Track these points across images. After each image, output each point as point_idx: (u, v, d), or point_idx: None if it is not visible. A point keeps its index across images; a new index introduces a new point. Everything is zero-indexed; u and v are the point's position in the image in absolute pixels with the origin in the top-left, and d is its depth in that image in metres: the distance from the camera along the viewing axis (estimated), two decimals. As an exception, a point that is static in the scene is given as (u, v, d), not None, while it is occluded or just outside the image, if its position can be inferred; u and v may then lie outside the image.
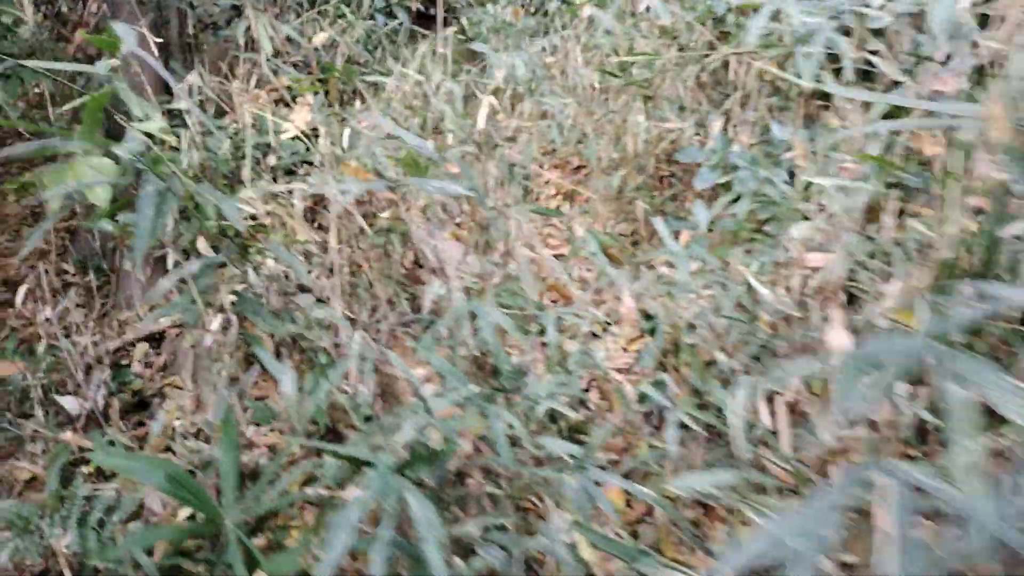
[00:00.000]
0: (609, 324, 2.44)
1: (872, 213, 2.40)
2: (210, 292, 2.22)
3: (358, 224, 2.81)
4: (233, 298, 2.25)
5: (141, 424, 3.61)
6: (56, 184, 1.52)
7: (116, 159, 1.56)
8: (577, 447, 1.63)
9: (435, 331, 1.86)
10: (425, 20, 5.93)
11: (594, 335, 2.73)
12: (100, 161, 1.55)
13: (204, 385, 3.37)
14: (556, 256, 4.40)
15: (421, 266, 3.37)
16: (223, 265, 1.96)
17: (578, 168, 5.04)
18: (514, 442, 1.54)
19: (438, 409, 1.62)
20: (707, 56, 3.46)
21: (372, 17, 5.12)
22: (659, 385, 2.39)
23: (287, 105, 3.55)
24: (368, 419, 2.33)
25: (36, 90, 5.23)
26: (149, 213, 1.60)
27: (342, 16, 4.69)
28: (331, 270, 2.56)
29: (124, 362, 3.81)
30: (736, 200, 3.03)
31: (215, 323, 2.57)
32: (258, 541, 2.06)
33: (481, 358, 1.95)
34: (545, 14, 6.07)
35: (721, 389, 1.99)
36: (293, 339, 2.06)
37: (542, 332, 2.28)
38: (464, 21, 5.45)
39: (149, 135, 1.87)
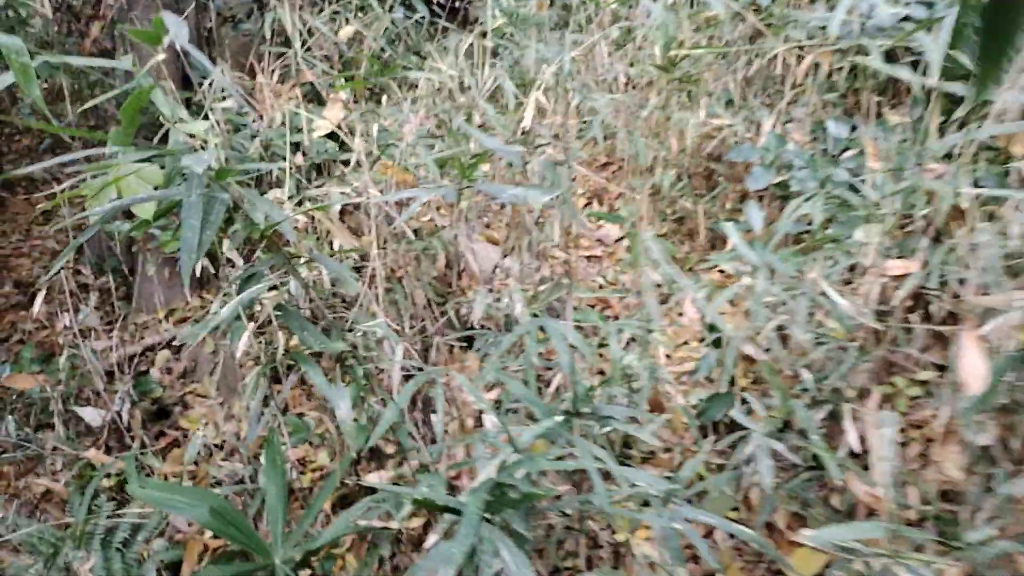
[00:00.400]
0: (663, 334, 2.28)
1: (954, 216, 2.24)
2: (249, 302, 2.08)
3: (397, 229, 2.66)
4: (271, 310, 2.10)
5: (162, 434, 3.47)
6: (101, 200, 1.37)
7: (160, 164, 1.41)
8: (659, 479, 1.48)
9: (497, 347, 1.71)
10: (444, 13, 5.76)
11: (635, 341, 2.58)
12: (148, 170, 1.40)
13: (232, 396, 3.22)
14: (588, 258, 4.25)
15: (451, 269, 3.22)
16: (265, 273, 1.81)
17: (605, 165, 4.87)
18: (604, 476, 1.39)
19: (504, 438, 1.47)
20: (754, 48, 3.30)
21: (391, 8, 4.95)
22: (721, 399, 2.24)
23: (317, 102, 3.39)
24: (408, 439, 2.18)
25: (45, 86, 5.07)
26: (195, 223, 1.45)
27: (363, 9, 4.53)
28: (372, 278, 2.41)
29: (143, 368, 3.67)
30: (788, 200, 2.88)
31: (246, 334, 2.42)
32: (303, 573, 1.92)
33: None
34: (566, 7, 5.90)
35: (804, 410, 1.83)
36: (340, 356, 1.91)
37: (602, 345, 2.13)
38: (486, 14, 5.28)
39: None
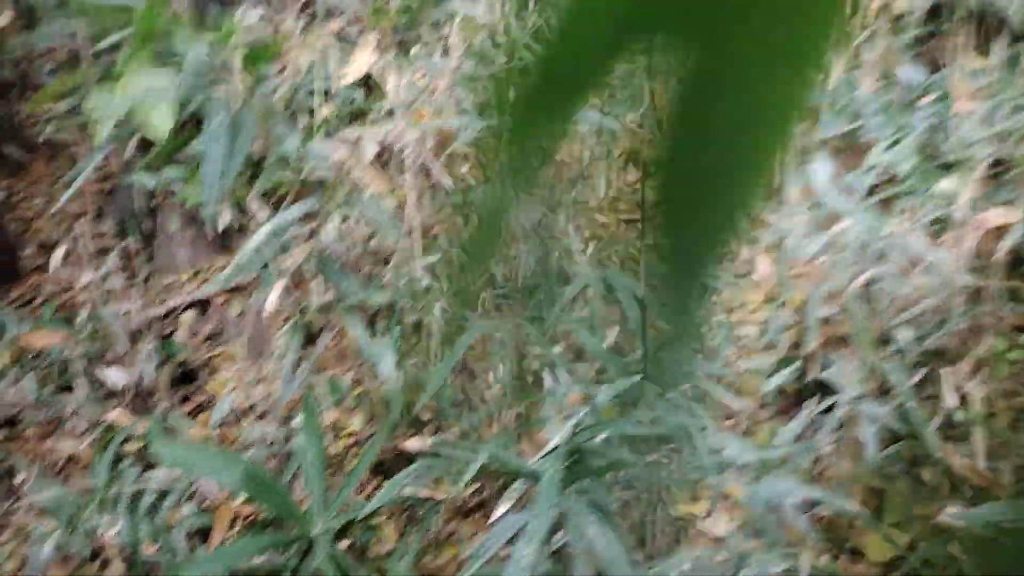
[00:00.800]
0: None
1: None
2: (279, 255, 1.92)
3: (435, 179, 2.48)
4: (304, 260, 1.94)
5: (188, 398, 3.35)
6: (106, 109, 1.20)
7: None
8: (752, 447, 1.30)
9: (558, 302, 1.52)
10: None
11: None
12: (157, 74, 1.22)
13: (262, 359, 3.08)
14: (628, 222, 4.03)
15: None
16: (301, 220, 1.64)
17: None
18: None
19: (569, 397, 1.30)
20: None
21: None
22: (787, 363, 2.05)
23: (346, 46, 3.19)
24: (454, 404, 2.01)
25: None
26: (219, 154, 1.27)
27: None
28: (409, 232, 2.24)
29: (168, 331, 3.54)
30: (859, 151, 2.65)
31: (276, 290, 2.27)
32: (341, 544, 1.77)
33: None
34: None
35: (900, 372, 1.64)
36: (379, 311, 1.75)
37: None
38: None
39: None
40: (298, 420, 1.84)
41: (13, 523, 2.73)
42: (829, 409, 1.67)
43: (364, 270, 1.84)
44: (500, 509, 1.08)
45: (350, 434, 2.71)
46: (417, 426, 2.36)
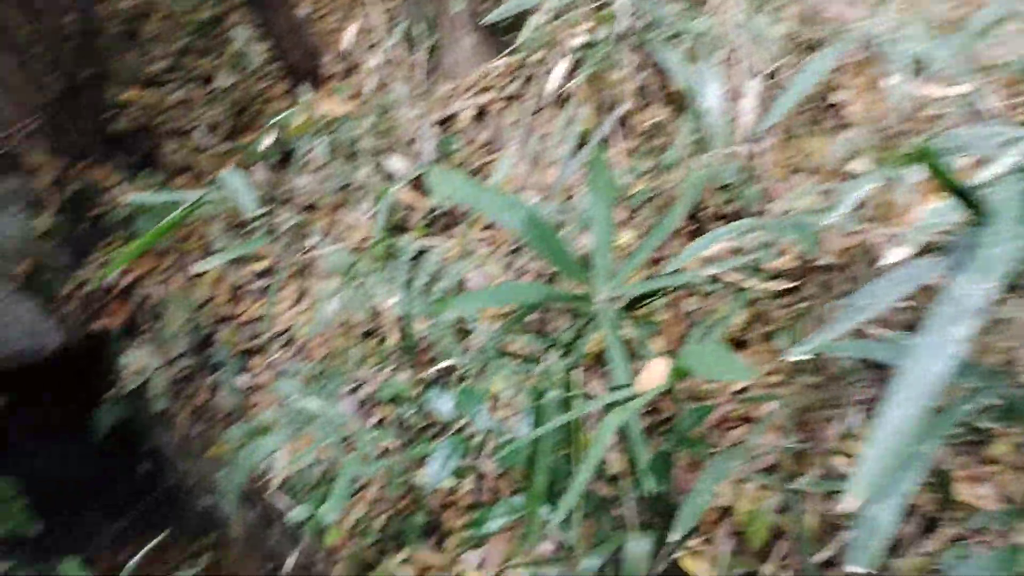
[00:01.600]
0: None
1: None
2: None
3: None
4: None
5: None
6: None
7: None
8: None
9: None
10: None
11: None
12: None
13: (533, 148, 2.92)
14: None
15: None
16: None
17: None
18: None
19: None
20: None
21: None
22: None
23: None
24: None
25: None
26: None
27: None
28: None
29: (447, 131, 3.53)
30: None
31: (561, 66, 2.01)
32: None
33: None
34: None
35: None
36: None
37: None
38: None
39: None
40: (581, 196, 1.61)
41: (304, 288, 2.95)
42: None
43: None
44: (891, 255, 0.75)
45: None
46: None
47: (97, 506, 3.80)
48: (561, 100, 2.42)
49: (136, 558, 1.97)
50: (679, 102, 1.96)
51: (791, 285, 1.72)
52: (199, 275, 3.55)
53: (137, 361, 3.63)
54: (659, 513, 1.47)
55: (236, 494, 2.74)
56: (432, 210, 2.57)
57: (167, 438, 3.76)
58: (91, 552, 3.39)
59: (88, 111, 4.10)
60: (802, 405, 1.68)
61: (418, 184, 2.63)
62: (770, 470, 1.70)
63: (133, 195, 3.41)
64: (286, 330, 3.08)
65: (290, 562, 2.44)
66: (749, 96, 1.67)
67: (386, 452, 2.26)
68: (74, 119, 4.11)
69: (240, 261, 3.34)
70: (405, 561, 2.29)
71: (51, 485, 3.20)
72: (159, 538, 1.97)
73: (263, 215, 2.75)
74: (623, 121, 2.17)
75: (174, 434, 3.65)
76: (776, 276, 1.70)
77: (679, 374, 1.00)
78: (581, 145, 2.07)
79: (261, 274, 3.32)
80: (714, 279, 1.53)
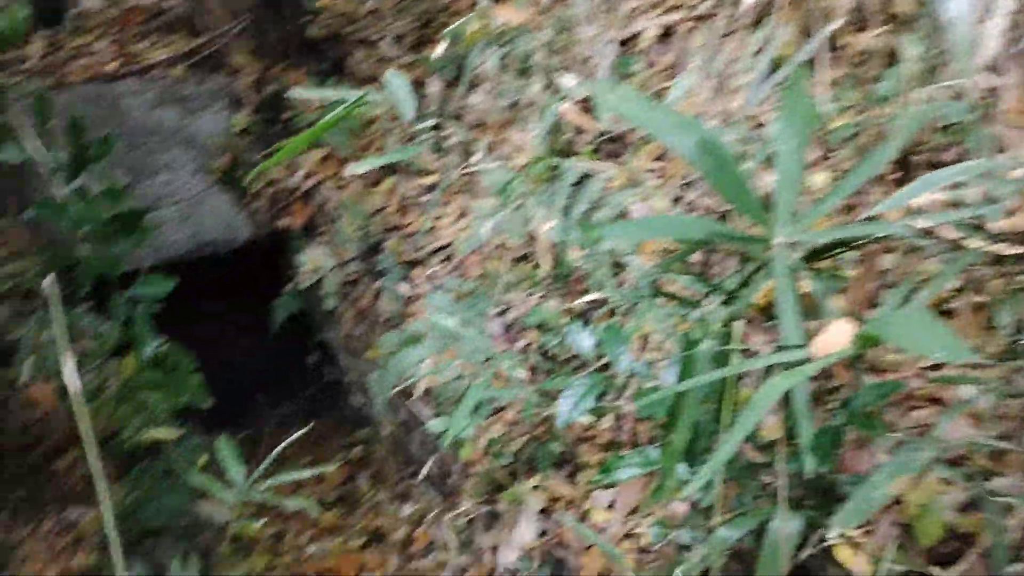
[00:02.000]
0: None
1: None
2: None
3: None
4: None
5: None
6: None
7: None
8: None
9: None
10: None
11: None
12: None
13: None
14: None
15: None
16: None
17: None
18: None
19: None
20: None
21: None
22: None
23: None
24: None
25: None
26: None
27: None
28: None
29: (628, 51, 3.32)
30: None
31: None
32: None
33: None
34: None
35: None
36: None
37: None
38: None
39: None
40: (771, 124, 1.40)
41: (466, 206, 2.94)
42: None
43: None
44: None
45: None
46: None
47: (266, 390, 4.15)
48: (758, 19, 2.15)
49: (291, 438, 2.09)
50: (905, 22, 1.65)
51: (1018, 251, 1.43)
52: (375, 184, 3.65)
53: (314, 260, 3.84)
54: (815, 490, 1.31)
55: (385, 397, 2.84)
56: (601, 134, 2.42)
57: (333, 334, 4.00)
58: (255, 432, 3.71)
59: (288, 15, 4.27)
60: (1010, 394, 1.42)
61: (589, 106, 2.48)
62: (956, 462, 1.47)
63: (297, 89, 3.50)
64: (447, 245, 3.11)
65: (426, 469, 2.52)
66: (998, 16, 1.35)
67: (528, 379, 2.22)
68: (275, 22, 4.29)
69: (411, 174, 3.38)
70: (536, 488, 2.27)
71: (227, 366, 3.51)
72: (307, 428, 2.07)
73: (433, 128, 2.73)
74: (831, 43, 1.88)
75: (340, 332, 3.86)
76: (1000, 238, 1.42)
77: (868, 341, 0.83)
78: (775, 69, 1.82)
79: (430, 188, 3.35)
80: (925, 233, 1.29)
